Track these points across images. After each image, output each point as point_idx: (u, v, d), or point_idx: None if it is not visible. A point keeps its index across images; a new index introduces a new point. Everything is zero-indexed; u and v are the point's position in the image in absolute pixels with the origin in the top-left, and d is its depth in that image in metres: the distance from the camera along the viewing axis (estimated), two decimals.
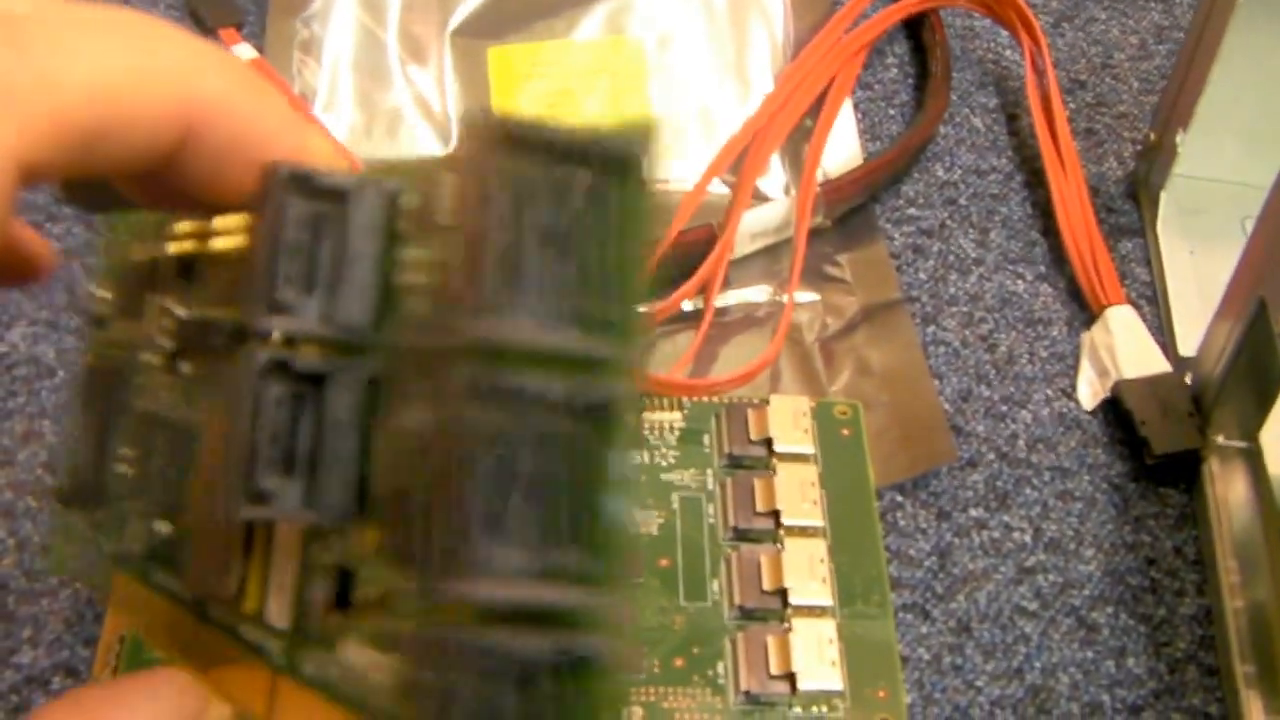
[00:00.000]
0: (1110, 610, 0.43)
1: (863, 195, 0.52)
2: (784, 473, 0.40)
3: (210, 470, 0.22)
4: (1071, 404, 0.47)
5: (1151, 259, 0.52)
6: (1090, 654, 0.42)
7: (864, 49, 0.56)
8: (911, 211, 0.53)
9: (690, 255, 0.48)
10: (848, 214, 0.52)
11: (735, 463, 0.41)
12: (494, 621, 0.15)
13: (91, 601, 0.40)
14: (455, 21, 0.55)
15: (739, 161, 0.52)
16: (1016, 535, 0.44)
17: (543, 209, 0.15)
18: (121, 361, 0.26)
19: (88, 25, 0.20)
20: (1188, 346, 0.48)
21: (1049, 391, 0.48)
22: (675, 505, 0.40)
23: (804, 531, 0.39)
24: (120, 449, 0.26)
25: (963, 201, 0.53)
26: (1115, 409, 0.47)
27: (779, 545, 0.39)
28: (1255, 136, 0.51)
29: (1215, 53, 0.48)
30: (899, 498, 0.45)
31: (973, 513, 0.45)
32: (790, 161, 0.53)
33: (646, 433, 0.41)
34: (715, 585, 0.39)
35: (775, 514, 0.39)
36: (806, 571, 0.38)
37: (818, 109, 0.54)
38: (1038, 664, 0.42)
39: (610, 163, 0.15)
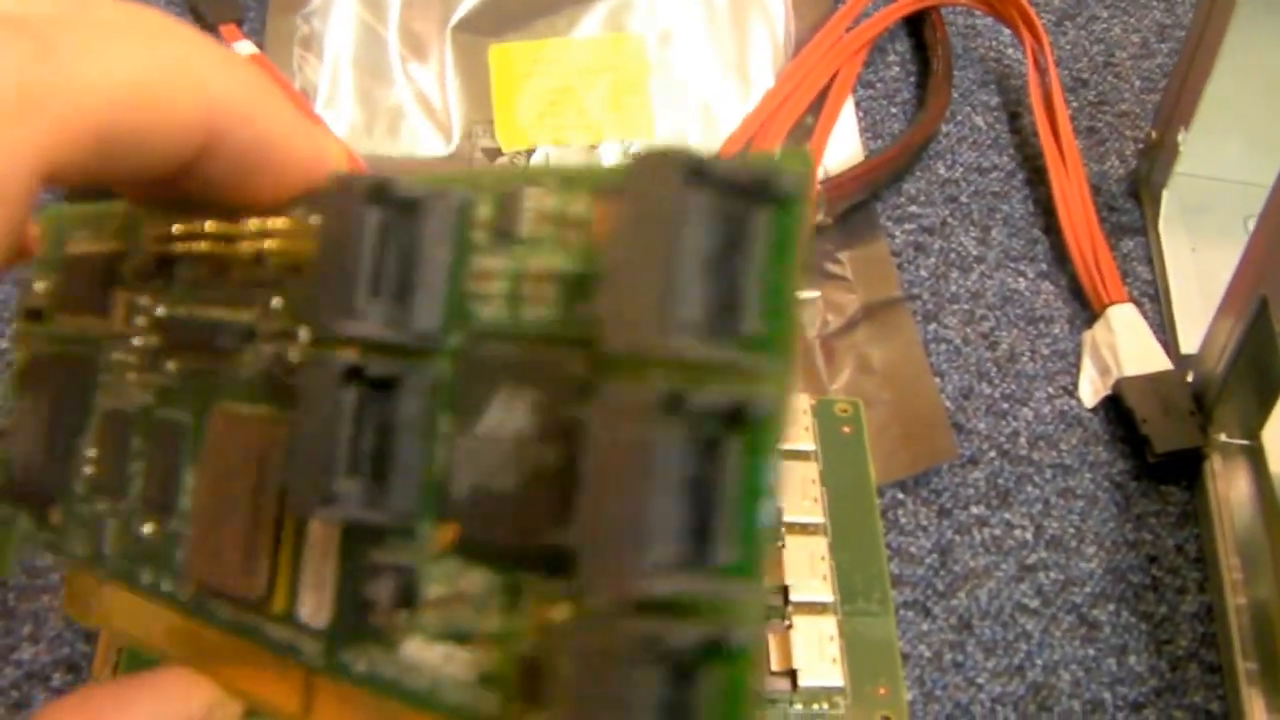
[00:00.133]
0: (1112, 608, 0.43)
1: (864, 193, 0.52)
2: (785, 470, 0.40)
3: (248, 472, 0.22)
4: (1073, 402, 0.47)
5: (1153, 257, 0.52)
6: (1092, 651, 0.42)
7: (865, 47, 0.56)
8: (913, 209, 0.53)
9: None
10: (849, 211, 0.52)
11: None
12: (653, 613, 0.16)
13: None
14: (456, 18, 0.55)
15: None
16: (1018, 533, 0.44)
17: (706, 233, 0.16)
18: (78, 358, 0.26)
19: (111, 28, 0.20)
20: (1189, 344, 0.48)
21: (1050, 389, 0.48)
22: None
23: (805, 529, 0.39)
24: (84, 449, 0.26)
25: (964, 199, 0.53)
26: (1117, 407, 0.47)
27: (780, 542, 0.39)
28: (1257, 135, 0.51)
29: (1217, 51, 0.48)
30: (900, 495, 0.45)
31: (974, 510, 0.45)
32: None
33: None
34: None
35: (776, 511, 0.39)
36: (807, 568, 0.38)
37: (819, 106, 0.54)
38: (1039, 661, 0.41)
39: (772, 194, 0.16)
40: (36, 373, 0.27)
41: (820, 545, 0.39)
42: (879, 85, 0.57)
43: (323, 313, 0.20)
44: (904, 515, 0.44)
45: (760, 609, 0.15)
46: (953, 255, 0.51)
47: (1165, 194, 0.52)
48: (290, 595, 0.22)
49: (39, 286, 0.27)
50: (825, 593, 0.38)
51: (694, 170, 0.16)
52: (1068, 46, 0.59)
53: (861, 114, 0.55)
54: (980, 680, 0.41)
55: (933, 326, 0.49)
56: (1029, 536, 0.44)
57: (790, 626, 0.37)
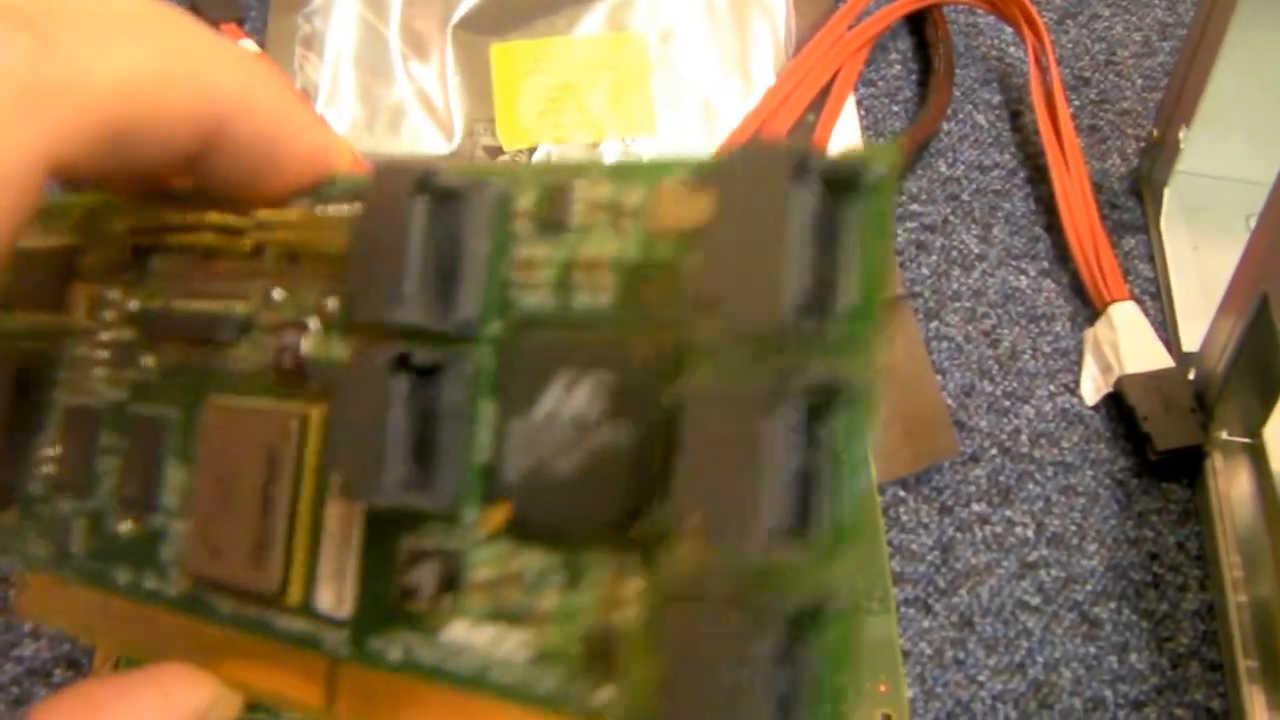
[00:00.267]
0: (1113, 605, 0.43)
1: None
2: None
3: (255, 465, 0.22)
4: (1074, 399, 0.47)
5: (1155, 255, 0.52)
6: (1093, 649, 0.42)
7: (867, 45, 0.56)
8: (914, 207, 0.53)
9: None
10: None
11: None
12: (765, 581, 0.16)
13: None
14: (457, 16, 0.55)
15: None
16: (1019, 530, 0.44)
17: (809, 223, 0.17)
18: (32, 355, 0.26)
19: (116, 21, 0.20)
20: (1191, 342, 0.48)
21: (1052, 387, 0.48)
22: None
23: None
24: (42, 448, 0.26)
25: (966, 197, 0.53)
26: (1118, 404, 0.47)
27: None
28: (1259, 133, 0.51)
29: (1218, 49, 0.48)
30: (901, 492, 0.45)
31: (975, 508, 0.45)
32: None
33: None
34: None
35: None
36: None
37: (820, 104, 0.54)
38: (1040, 659, 0.41)
39: (865, 185, 0.17)
40: None
41: None
42: (880, 83, 0.57)
43: (369, 301, 0.20)
44: (905, 513, 0.44)
45: (858, 572, 0.16)
46: (954, 253, 0.51)
47: (1167, 192, 0.52)
48: (306, 587, 0.22)
49: None
50: None
51: (799, 164, 0.17)
52: (1069, 45, 0.59)
53: (863, 112, 0.55)
54: (981, 678, 0.41)
55: (934, 324, 0.49)
56: (1030, 534, 0.44)
57: None
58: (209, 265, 0.24)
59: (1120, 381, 0.46)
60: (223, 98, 0.21)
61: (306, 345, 0.22)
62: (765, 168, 0.17)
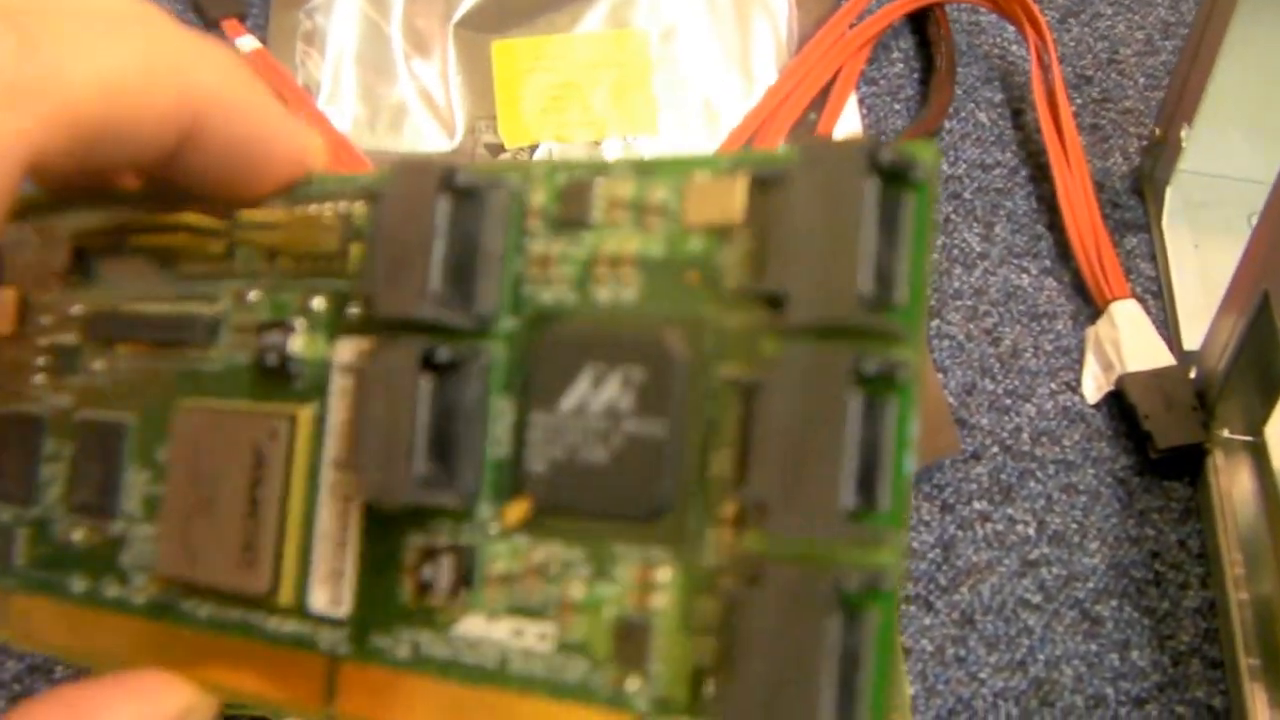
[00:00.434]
0: (1114, 603, 0.43)
1: None
2: None
3: (239, 467, 0.22)
4: (1076, 398, 0.47)
5: (1156, 254, 0.52)
6: (1094, 647, 0.42)
7: (868, 43, 0.56)
8: None
9: None
10: None
11: None
12: (829, 563, 0.17)
13: None
14: (459, 14, 0.55)
15: None
16: (1020, 528, 0.44)
17: (877, 216, 0.18)
18: None
19: (97, 19, 0.20)
20: (1192, 341, 0.48)
21: (1053, 385, 0.48)
22: None
23: None
24: None
25: (967, 196, 0.53)
26: (1119, 403, 0.47)
27: None
28: (1260, 132, 0.51)
29: (1219, 48, 0.48)
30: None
31: (976, 505, 0.45)
32: None
33: None
34: None
35: None
36: None
37: (822, 103, 0.54)
38: (1041, 656, 0.41)
39: (913, 180, 0.18)
40: None
41: None
42: (882, 82, 0.57)
43: (395, 297, 0.20)
44: None
45: (904, 552, 0.18)
46: (956, 251, 0.51)
47: (1168, 191, 0.52)
48: (298, 587, 0.22)
49: None
50: None
51: (872, 160, 0.17)
52: (1071, 43, 0.59)
53: (865, 110, 0.55)
54: (982, 675, 0.41)
55: (936, 322, 0.49)
56: (1031, 532, 0.44)
57: None
58: (172, 267, 0.24)
59: (1122, 380, 0.46)
60: (202, 97, 0.21)
61: (294, 345, 0.22)
62: (841, 164, 0.18)
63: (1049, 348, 0.49)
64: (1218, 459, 0.44)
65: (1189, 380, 0.46)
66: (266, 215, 0.23)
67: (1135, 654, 0.42)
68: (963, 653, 0.41)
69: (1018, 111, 0.56)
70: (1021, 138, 0.55)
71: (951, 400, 0.47)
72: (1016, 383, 0.48)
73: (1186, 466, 0.45)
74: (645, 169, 0.20)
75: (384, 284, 0.20)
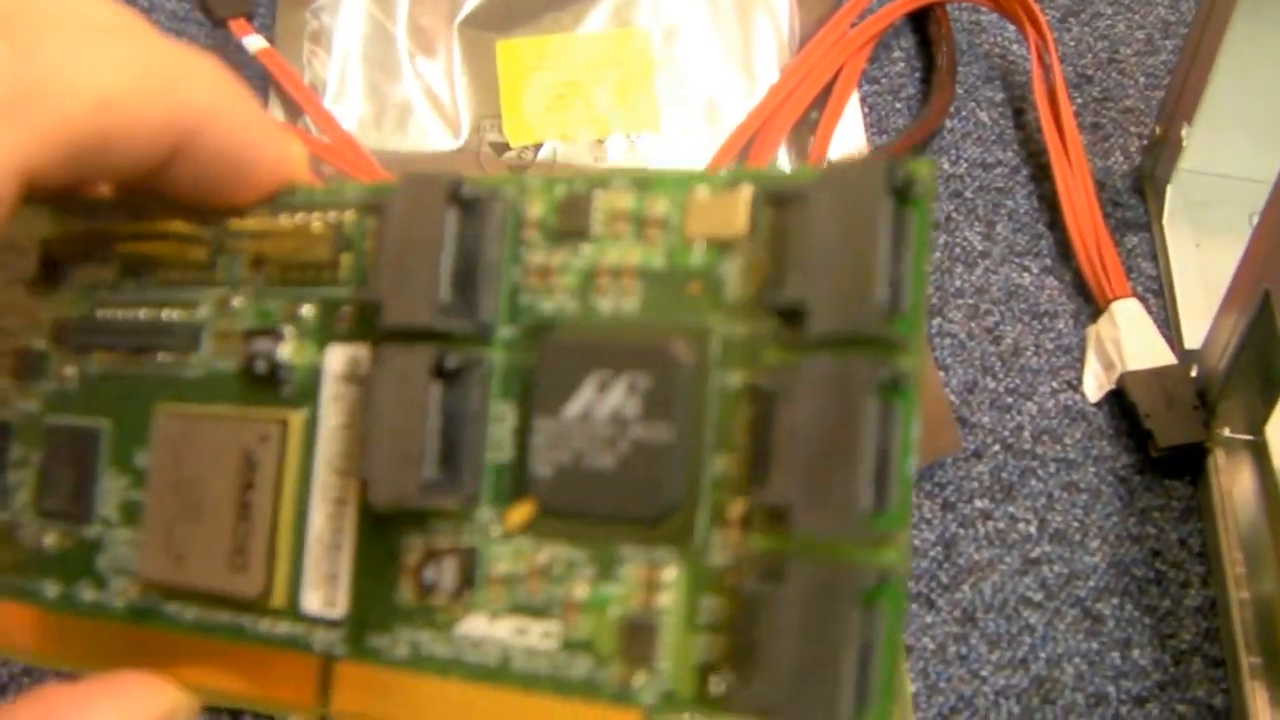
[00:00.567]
0: (1115, 601, 0.43)
1: None
2: None
3: (228, 471, 0.22)
4: (1077, 396, 0.48)
5: (1157, 253, 0.52)
6: (1095, 645, 0.42)
7: (870, 42, 0.56)
8: None
9: None
10: None
11: None
12: (846, 560, 0.18)
13: None
14: (463, 13, 0.55)
15: (744, 152, 0.52)
16: (1022, 526, 0.44)
17: (893, 230, 0.19)
18: None
19: (91, 32, 0.20)
20: (1193, 339, 0.48)
21: (1054, 384, 0.48)
22: None
23: None
24: None
25: (969, 195, 0.53)
26: (1120, 401, 0.47)
27: None
28: (1261, 131, 0.51)
29: (1219, 47, 0.48)
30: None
31: (978, 503, 0.45)
32: (796, 154, 0.53)
33: None
34: None
35: None
36: None
37: (824, 101, 0.54)
38: (1042, 654, 0.42)
39: (913, 196, 0.19)
40: None
41: None
42: (883, 81, 0.57)
43: (404, 306, 0.21)
44: None
45: (908, 549, 0.18)
46: (957, 250, 0.51)
47: (1169, 190, 0.52)
48: (291, 589, 0.22)
49: None
50: None
51: (890, 180, 0.18)
52: (1072, 43, 0.59)
53: (866, 109, 0.56)
54: (984, 673, 0.41)
55: (937, 321, 0.49)
56: (1033, 530, 0.44)
57: None
58: (148, 275, 0.24)
59: (1123, 378, 0.47)
60: (194, 108, 0.21)
61: (284, 352, 0.23)
62: (861, 184, 0.18)
63: (1050, 346, 0.49)
64: (1219, 458, 0.44)
65: (1190, 379, 0.46)
66: (256, 224, 0.23)
67: (1136, 652, 0.42)
68: (964, 650, 0.42)
69: (1019, 110, 0.56)
70: (1022, 137, 0.55)
71: (953, 398, 0.47)
72: (1018, 381, 0.48)
73: (1187, 465, 0.45)
74: (644, 183, 0.21)
75: (392, 293, 0.21)
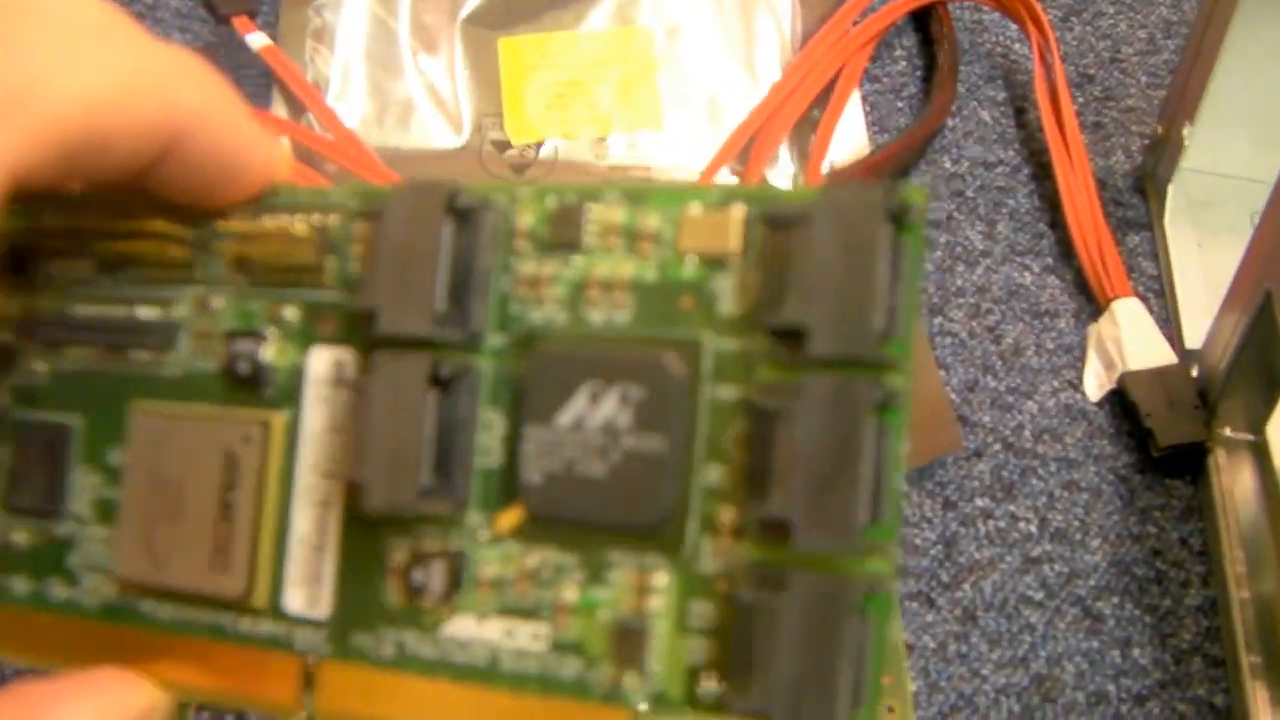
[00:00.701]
0: (1116, 600, 0.43)
1: None
2: None
3: (209, 471, 0.22)
4: (1077, 395, 0.48)
5: (1158, 252, 0.52)
6: (1095, 644, 0.42)
7: (871, 41, 0.56)
8: None
9: None
10: None
11: None
12: (843, 571, 0.19)
13: None
14: (465, 11, 0.55)
15: (746, 150, 0.52)
16: (1022, 525, 0.44)
17: (890, 255, 0.19)
18: None
19: (81, 34, 0.20)
20: (1194, 339, 0.48)
21: (1055, 383, 0.48)
22: None
23: None
24: None
25: (970, 194, 0.53)
26: (1121, 401, 0.47)
27: None
28: (1263, 130, 0.51)
29: (1220, 46, 0.48)
30: (905, 487, 0.45)
31: (978, 502, 0.45)
32: (798, 152, 0.53)
33: None
34: None
35: None
36: None
37: (825, 100, 0.54)
38: (1043, 653, 0.42)
39: (907, 221, 0.19)
40: None
41: None
42: (885, 80, 0.57)
43: (400, 314, 0.21)
44: (909, 507, 0.44)
45: (897, 559, 0.19)
46: (958, 249, 0.51)
47: (1171, 189, 0.52)
48: (273, 589, 0.22)
49: None
50: None
51: (889, 207, 0.19)
52: (1074, 42, 0.59)
53: (868, 108, 0.56)
54: (984, 671, 0.41)
55: (938, 320, 0.49)
56: (1033, 529, 0.44)
57: None
58: (124, 272, 0.24)
59: (1123, 378, 0.47)
60: (183, 110, 0.21)
61: (266, 353, 0.23)
62: (860, 209, 0.19)
63: (1051, 345, 0.49)
64: (1219, 457, 0.44)
65: (1191, 378, 0.46)
66: (239, 225, 0.23)
67: (1137, 651, 0.42)
68: (965, 649, 0.42)
69: (1020, 110, 0.56)
70: (1024, 136, 0.55)
71: (953, 397, 0.47)
72: (1018, 380, 0.48)
73: (1188, 465, 0.45)
74: (637, 197, 0.21)
75: (388, 301, 0.21)
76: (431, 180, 0.21)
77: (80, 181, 0.23)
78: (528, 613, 0.21)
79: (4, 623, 0.25)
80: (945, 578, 0.43)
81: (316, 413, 0.22)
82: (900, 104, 0.57)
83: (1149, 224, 0.53)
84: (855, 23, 0.56)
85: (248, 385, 0.23)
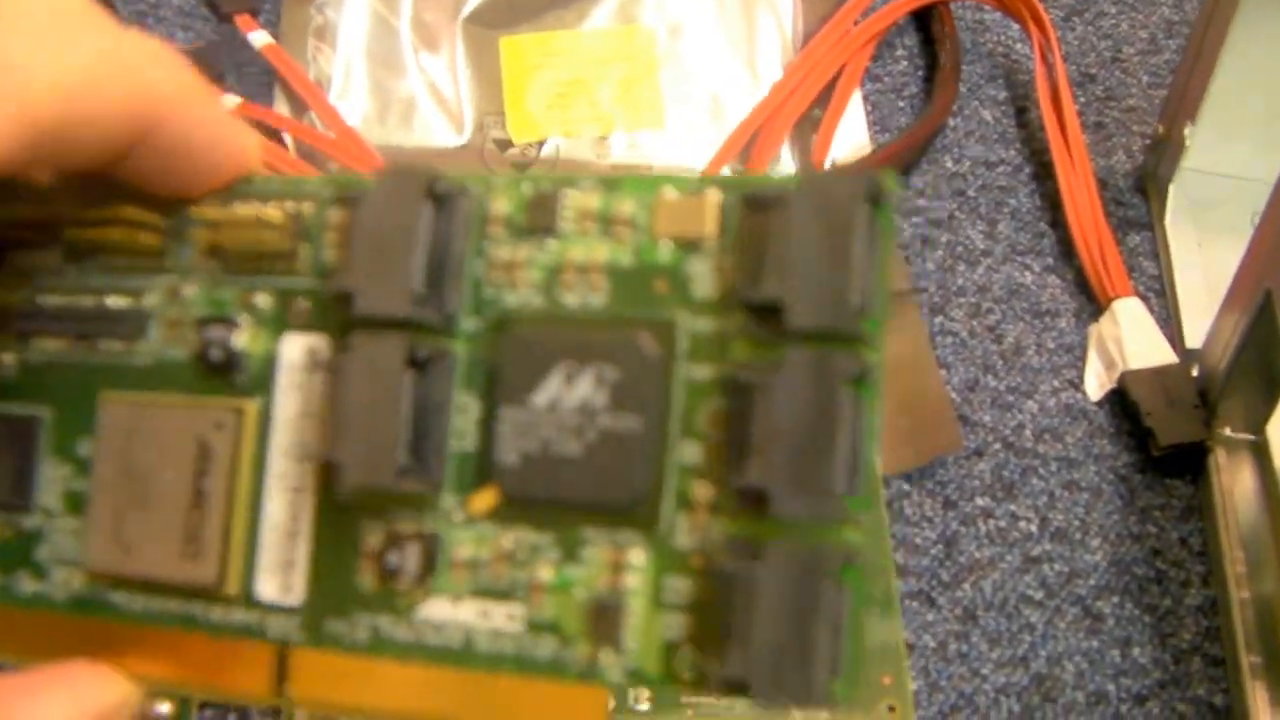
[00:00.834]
0: (1116, 600, 0.43)
1: None
2: None
3: (181, 459, 0.22)
4: (1078, 395, 0.48)
5: (1159, 252, 0.52)
6: (1095, 643, 0.42)
7: (873, 40, 0.56)
8: (920, 202, 0.53)
9: None
10: None
11: None
12: (820, 541, 0.19)
13: None
14: (467, 10, 0.55)
15: (748, 149, 0.52)
16: (1023, 524, 0.44)
17: (867, 235, 0.20)
18: None
19: (53, 21, 0.20)
20: (1194, 339, 0.48)
21: (1056, 382, 0.48)
22: None
23: None
24: None
25: (971, 193, 0.53)
26: (1121, 400, 0.47)
27: None
28: (1264, 131, 0.51)
29: (1222, 46, 0.48)
30: (905, 486, 0.45)
31: (979, 502, 0.45)
32: (800, 151, 0.53)
33: None
34: None
35: None
36: None
37: (826, 99, 0.54)
38: (1043, 652, 0.42)
39: (881, 203, 0.20)
40: None
41: None
42: (886, 79, 0.57)
43: (378, 296, 0.21)
44: (909, 506, 0.45)
45: (872, 529, 0.20)
46: (959, 248, 0.51)
47: (1172, 189, 0.52)
48: (245, 577, 0.22)
49: None
50: None
51: (870, 190, 0.19)
52: (1075, 42, 0.59)
53: (869, 107, 0.56)
54: (984, 671, 0.41)
55: (939, 319, 0.49)
56: (1034, 528, 0.44)
57: None
58: (91, 261, 0.24)
59: (1124, 377, 0.47)
60: (156, 98, 0.21)
61: (239, 340, 0.23)
62: (842, 192, 0.19)
63: (1051, 345, 0.49)
64: (1219, 457, 0.44)
65: (1191, 378, 0.46)
66: (212, 213, 0.23)
67: (1137, 651, 0.42)
68: (965, 648, 0.42)
69: (1021, 109, 0.56)
70: (1025, 135, 0.55)
71: (954, 397, 0.47)
72: (1019, 380, 0.48)
73: (1188, 464, 0.45)
74: (612, 184, 0.21)
75: (367, 283, 0.21)
76: (412, 165, 0.22)
77: (50, 170, 0.23)
78: (503, 593, 0.21)
79: None
80: (945, 577, 0.43)
81: (289, 399, 0.22)
82: (902, 103, 0.57)
83: (1150, 224, 0.53)
84: (857, 22, 0.56)
85: (220, 372, 0.23)
